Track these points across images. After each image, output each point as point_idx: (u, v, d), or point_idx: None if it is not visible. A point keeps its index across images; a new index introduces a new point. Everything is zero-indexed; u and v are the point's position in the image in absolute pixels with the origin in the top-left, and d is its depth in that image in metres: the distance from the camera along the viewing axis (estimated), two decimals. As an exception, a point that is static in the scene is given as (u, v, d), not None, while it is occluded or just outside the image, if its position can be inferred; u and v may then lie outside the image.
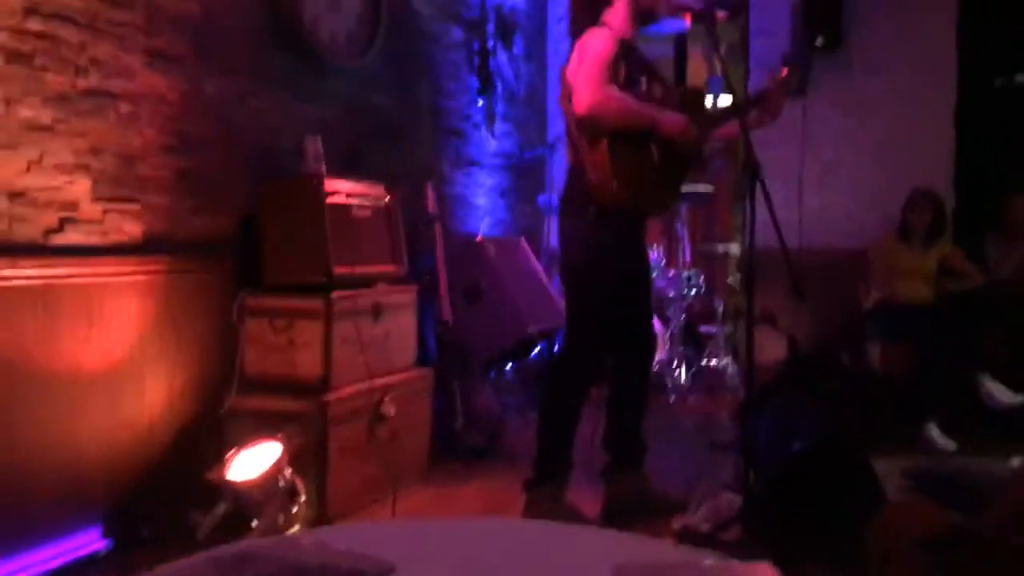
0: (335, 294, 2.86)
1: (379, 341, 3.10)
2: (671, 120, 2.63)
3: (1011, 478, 2.36)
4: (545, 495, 2.78)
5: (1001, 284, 4.33)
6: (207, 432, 2.80)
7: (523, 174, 5.53)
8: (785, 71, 2.75)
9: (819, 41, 4.78)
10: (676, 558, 1.24)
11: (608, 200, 2.61)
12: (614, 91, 2.57)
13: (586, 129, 2.62)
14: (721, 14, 2.57)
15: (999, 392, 3.83)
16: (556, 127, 5.67)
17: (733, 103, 2.73)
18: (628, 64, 2.68)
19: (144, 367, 2.68)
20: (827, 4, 4.79)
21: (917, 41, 4.88)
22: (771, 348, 4.49)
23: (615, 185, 2.56)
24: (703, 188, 5.02)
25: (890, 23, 4.92)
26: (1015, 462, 2.99)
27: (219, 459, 2.56)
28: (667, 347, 4.90)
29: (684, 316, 5.11)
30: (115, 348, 2.57)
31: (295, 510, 2.56)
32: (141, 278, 2.66)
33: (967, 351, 3.96)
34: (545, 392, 2.94)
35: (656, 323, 4.80)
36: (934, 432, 3.86)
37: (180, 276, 2.80)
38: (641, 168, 2.63)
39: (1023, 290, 4.30)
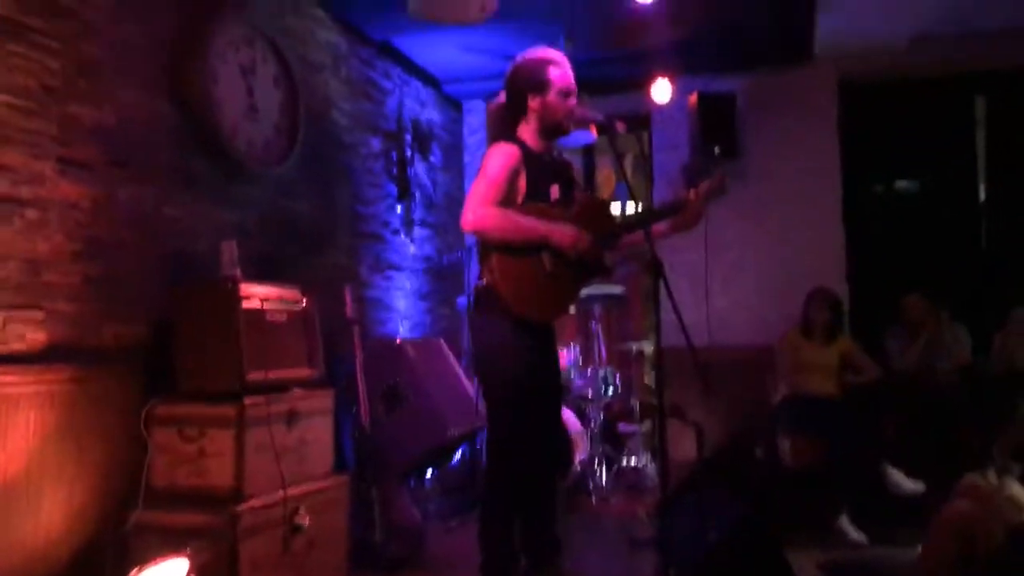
0: (248, 400, 2.80)
1: (294, 448, 3.03)
2: (561, 233, 2.73)
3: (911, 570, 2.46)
4: None
5: (899, 376, 4.57)
6: (110, 551, 2.64)
7: (442, 277, 5.62)
8: (711, 181, 2.98)
9: (717, 150, 5.13)
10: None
11: (504, 307, 2.69)
12: (495, 210, 2.67)
13: (478, 242, 2.75)
14: (621, 125, 2.74)
15: (902, 480, 3.98)
16: (472, 232, 5.82)
17: (639, 213, 2.88)
18: (533, 176, 2.81)
19: (42, 483, 2.54)
20: (722, 118, 5.16)
21: (804, 150, 5.30)
22: (684, 444, 4.58)
23: (506, 295, 2.66)
24: (616, 289, 5.19)
25: (779, 134, 5.34)
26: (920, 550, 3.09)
27: (121, 579, 2.42)
28: (587, 447, 4.93)
29: (603, 415, 5.17)
30: (11, 463, 2.44)
31: (202, 631, 2.42)
32: (42, 388, 2.56)
33: (870, 442, 4.12)
34: (482, 494, 2.94)
35: (576, 423, 4.84)
36: (846, 524, 3.96)
37: (84, 386, 2.70)
38: (531, 278, 2.72)
39: (919, 382, 4.56)
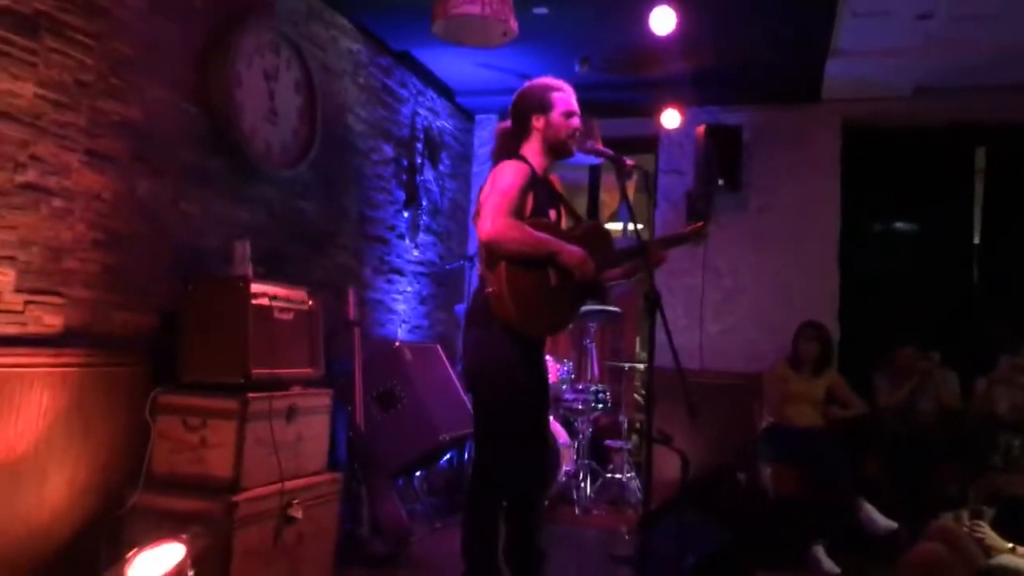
0: (251, 395, 2.90)
1: (291, 444, 3.13)
2: (570, 252, 2.83)
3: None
4: None
5: (882, 415, 4.66)
6: (109, 530, 2.74)
7: (443, 283, 5.72)
8: (700, 224, 3.11)
9: (720, 181, 5.24)
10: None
11: (505, 317, 2.78)
12: (513, 222, 2.76)
13: (486, 252, 2.83)
14: (629, 161, 2.84)
15: (877, 518, 4.06)
16: (476, 241, 5.93)
17: (637, 246, 2.94)
18: (538, 195, 2.91)
19: (48, 461, 2.64)
20: (729, 149, 5.28)
21: (805, 187, 5.42)
22: (669, 464, 4.68)
23: (510, 305, 2.74)
24: (611, 308, 5.30)
25: (782, 169, 5.45)
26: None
27: (119, 559, 2.51)
28: (574, 459, 5.03)
29: (591, 430, 5.27)
30: (20, 440, 2.54)
31: (194, 614, 2.51)
32: (55, 369, 2.66)
33: (850, 476, 4.22)
34: (467, 504, 3.01)
35: (564, 435, 4.94)
36: (820, 554, 4.05)
37: (95, 370, 2.81)
38: (537, 292, 2.81)
39: (901, 422, 4.64)
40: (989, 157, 5.37)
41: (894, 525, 4.01)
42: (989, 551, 2.98)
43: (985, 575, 2.54)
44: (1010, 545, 3.03)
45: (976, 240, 5.39)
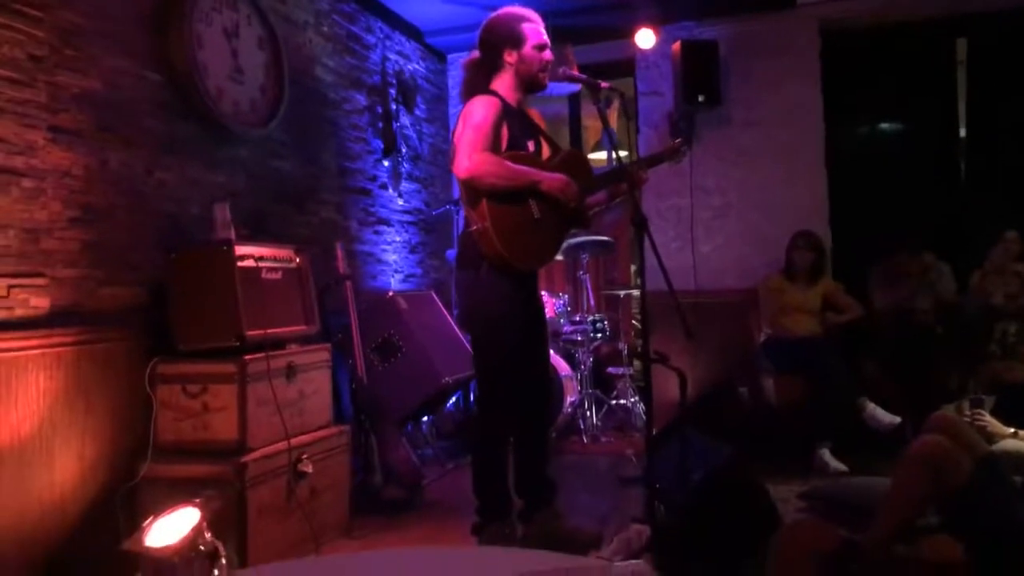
0: (248, 356, 2.91)
1: (294, 401, 3.15)
2: (551, 178, 2.82)
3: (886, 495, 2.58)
4: (496, 534, 2.89)
5: (880, 317, 4.69)
6: (122, 503, 2.77)
7: (431, 230, 5.69)
8: (678, 140, 3.11)
9: (700, 98, 5.16)
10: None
11: (493, 254, 2.77)
12: (490, 156, 2.74)
13: (467, 190, 2.80)
14: (604, 84, 2.79)
15: (880, 415, 4.13)
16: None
17: (615, 168, 2.94)
18: (513, 128, 2.87)
19: (54, 440, 2.66)
20: (706, 64, 5.18)
21: (786, 96, 5.34)
22: (670, 386, 4.72)
23: (496, 240, 2.72)
24: (602, 237, 5.28)
25: (761, 81, 5.37)
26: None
27: (135, 529, 2.55)
28: (577, 390, 5.08)
29: (592, 359, 5.31)
30: (23, 423, 2.55)
31: (216, 573, 2.55)
32: (48, 351, 2.65)
33: (851, 379, 4.27)
34: (474, 441, 3.05)
35: (566, 367, 4.98)
36: (827, 456, 4.14)
37: (89, 347, 2.80)
38: (521, 223, 2.80)
39: (901, 323, 4.67)
40: (971, 47, 5.27)
41: (897, 420, 4.08)
42: (991, 438, 3.03)
43: (987, 460, 2.57)
44: (1011, 430, 3.08)
45: (962, 133, 5.34)
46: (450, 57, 6.12)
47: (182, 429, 2.91)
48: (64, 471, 2.69)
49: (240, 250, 3.04)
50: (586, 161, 3.13)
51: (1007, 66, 5.14)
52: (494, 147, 2.80)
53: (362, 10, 4.92)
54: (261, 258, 3.17)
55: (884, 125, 5.48)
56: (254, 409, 2.90)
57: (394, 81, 5.26)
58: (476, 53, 2.99)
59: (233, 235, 3.11)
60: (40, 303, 2.67)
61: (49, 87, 2.75)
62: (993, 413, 3.21)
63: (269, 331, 3.08)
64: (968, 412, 3.20)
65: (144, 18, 3.18)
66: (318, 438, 3.22)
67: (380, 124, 5.09)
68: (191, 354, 2.96)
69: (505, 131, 2.83)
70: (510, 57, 2.90)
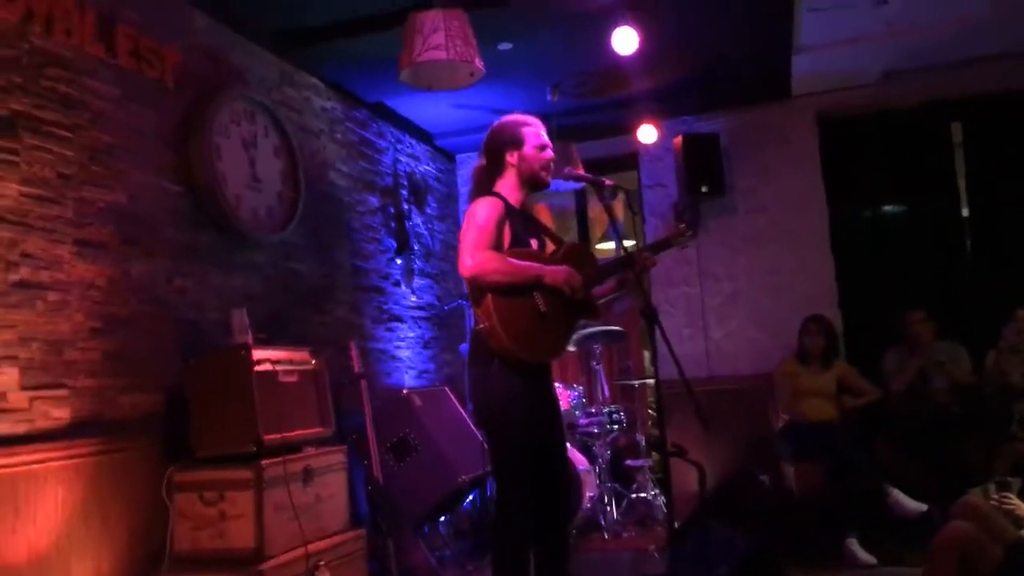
0: (265, 461, 2.90)
1: (311, 505, 3.13)
2: (554, 271, 2.87)
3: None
4: None
5: (896, 399, 4.65)
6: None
7: (444, 324, 5.74)
8: (682, 226, 3.16)
9: (704, 188, 5.28)
10: None
11: (503, 350, 2.79)
12: (492, 253, 2.80)
13: (472, 289, 2.86)
14: (608, 181, 2.87)
15: (905, 501, 4.05)
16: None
17: (620, 257, 2.97)
18: (515, 227, 2.95)
19: (70, 554, 2.64)
20: (708, 156, 5.32)
21: (788, 183, 5.45)
22: (690, 477, 4.66)
23: (504, 336, 2.76)
24: (612, 328, 5.31)
25: (763, 169, 5.49)
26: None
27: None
28: (596, 484, 5.00)
29: (610, 452, 5.25)
30: (41, 538, 2.54)
31: None
32: (67, 463, 2.67)
33: (871, 465, 4.20)
34: (494, 544, 2.99)
35: (583, 461, 4.92)
36: (855, 546, 4.03)
37: (107, 457, 2.82)
38: (528, 318, 2.83)
39: (917, 404, 4.62)
40: (965, 130, 5.40)
41: (924, 507, 3.99)
42: (1020, 521, 2.96)
43: (1018, 547, 2.52)
44: (1040, 512, 3.01)
45: (965, 213, 5.41)
46: (459, 157, 6.31)
47: (199, 538, 2.88)
48: (81, 585, 2.66)
49: (257, 354, 3.07)
50: (590, 252, 3.18)
51: (1003, 146, 5.25)
52: (497, 246, 2.87)
53: (374, 116, 5.12)
54: (278, 361, 3.20)
55: (887, 208, 5.56)
56: (271, 515, 2.87)
57: (405, 182, 5.41)
58: (481, 160, 3.11)
59: (251, 339, 3.16)
60: (61, 414, 2.70)
61: (76, 203, 2.86)
62: (1020, 495, 3.14)
63: (286, 434, 3.08)
64: (995, 496, 3.13)
65: (166, 133, 3.33)
66: (335, 543, 3.17)
67: (393, 223, 5.21)
68: (208, 460, 2.97)
69: (508, 230, 2.91)
70: (512, 158, 3.01)
